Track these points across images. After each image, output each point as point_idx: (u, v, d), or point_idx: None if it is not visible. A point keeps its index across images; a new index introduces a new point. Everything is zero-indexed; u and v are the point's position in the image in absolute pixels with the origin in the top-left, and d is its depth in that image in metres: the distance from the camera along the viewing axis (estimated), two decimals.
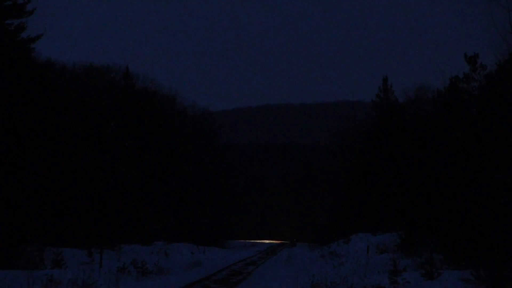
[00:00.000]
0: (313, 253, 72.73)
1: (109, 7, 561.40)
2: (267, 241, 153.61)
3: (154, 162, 75.67)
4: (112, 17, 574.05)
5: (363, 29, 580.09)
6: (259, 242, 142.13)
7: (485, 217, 31.31)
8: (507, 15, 28.61)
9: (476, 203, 32.59)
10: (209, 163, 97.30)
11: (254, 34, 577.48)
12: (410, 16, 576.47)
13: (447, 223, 35.68)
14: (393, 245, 48.93)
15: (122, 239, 56.87)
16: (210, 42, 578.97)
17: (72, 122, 48.96)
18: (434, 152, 40.30)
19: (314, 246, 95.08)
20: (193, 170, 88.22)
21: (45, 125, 41.17)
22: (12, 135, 37.30)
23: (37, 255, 36.20)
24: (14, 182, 37.33)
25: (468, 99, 38.35)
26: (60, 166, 45.11)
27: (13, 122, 37.35)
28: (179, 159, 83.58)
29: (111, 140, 61.07)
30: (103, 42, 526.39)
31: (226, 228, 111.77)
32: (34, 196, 38.93)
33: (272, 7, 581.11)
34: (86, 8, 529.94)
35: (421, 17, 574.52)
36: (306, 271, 39.43)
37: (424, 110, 56.41)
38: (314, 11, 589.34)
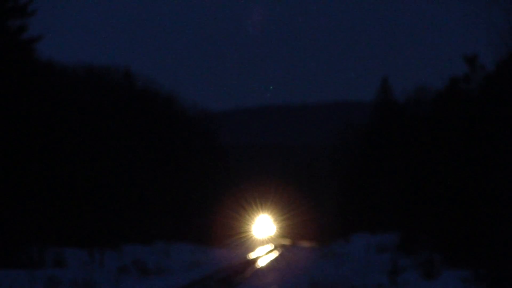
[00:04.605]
0: (313, 252, 72.87)
1: (109, 7, 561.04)
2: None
3: (155, 162, 75.79)
4: (112, 17, 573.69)
5: (363, 29, 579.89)
6: (260, 242, 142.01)
7: (485, 217, 31.41)
8: (506, 17, 28.75)
9: (475, 203, 32.70)
10: (209, 164, 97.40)
11: (254, 34, 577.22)
12: (410, 17, 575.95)
13: (446, 223, 35.79)
14: (393, 245, 49.04)
15: (123, 239, 56.96)
16: (210, 42, 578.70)
17: (72, 123, 49.07)
18: (433, 152, 40.41)
19: (314, 245, 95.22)
20: (193, 171, 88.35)
21: (46, 125, 41.27)
22: (13, 135, 37.43)
23: (38, 255, 36.31)
24: (15, 181, 37.44)
25: (467, 99, 38.45)
26: (61, 166, 45.20)
27: (14, 122, 37.48)
28: (179, 159, 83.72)
29: (111, 141, 61.17)
30: (103, 42, 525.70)
31: (226, 228, 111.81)
32: (34, 196, 39.02)
33: (272, 7, 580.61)
34: (86, 8, 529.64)
35: (421, 17, 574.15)
36: (306, 271, 39.55)
37: (423, 110, 56.51)
38: (314, 11, 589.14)
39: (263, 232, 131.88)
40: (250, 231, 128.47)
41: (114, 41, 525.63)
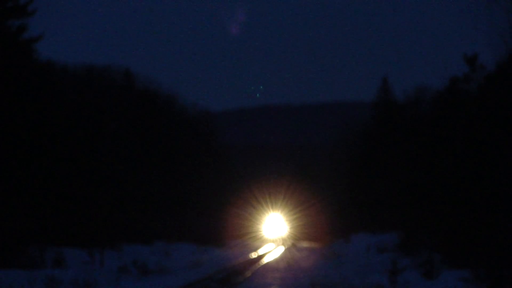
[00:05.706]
0: (314, 253, 72.88)
1: (109, 8, 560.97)
2: (268, 241, 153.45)
3: (155, 162, 75.82)
4: (112, 17, 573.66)
5: (363, 29, 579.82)
6: (260, 242, 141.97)
7: (485, 217, 31.43)
8: (506, 17, 28.78)
9: (475, 203, 32.71)
10: (209, 164, 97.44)
11: (254, 35, 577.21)
12: (410, 17, 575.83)
13: (446, 223, 35.81)
14: (393, 245, 49.07)
15: (123, 239, 57.01)
16: (210, 41, 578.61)
17: (72, 123, 49.08)
18: (433, 152, 40.43)
19: (315, 245, 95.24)
20: (193, 171, 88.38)
21: (46, 125, 41.30)
22: (13, 135, 37.44)
23: (38, 255, 36.34)
24: (15, 181, 37.45)
25: (467, 99, 38.46)
26: (61, 166, 45.22)
27: (14, 122, 37.50)
28: (179, 159, 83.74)
29: (111, 141, 61.20)
30: (103, 42, 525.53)
31: (226, 228, 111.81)
32: (34, 196, 39.04)
33: (272, 7, 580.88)
34: (86, 8, 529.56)
35: (421, 17, 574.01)
36: (307, 271, 39.59)
37: (423, 110, 56.55)
38: (314, 11, 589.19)
39: (273, 232, 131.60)
40: (259, 231, 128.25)
41: (114, 41, 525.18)
